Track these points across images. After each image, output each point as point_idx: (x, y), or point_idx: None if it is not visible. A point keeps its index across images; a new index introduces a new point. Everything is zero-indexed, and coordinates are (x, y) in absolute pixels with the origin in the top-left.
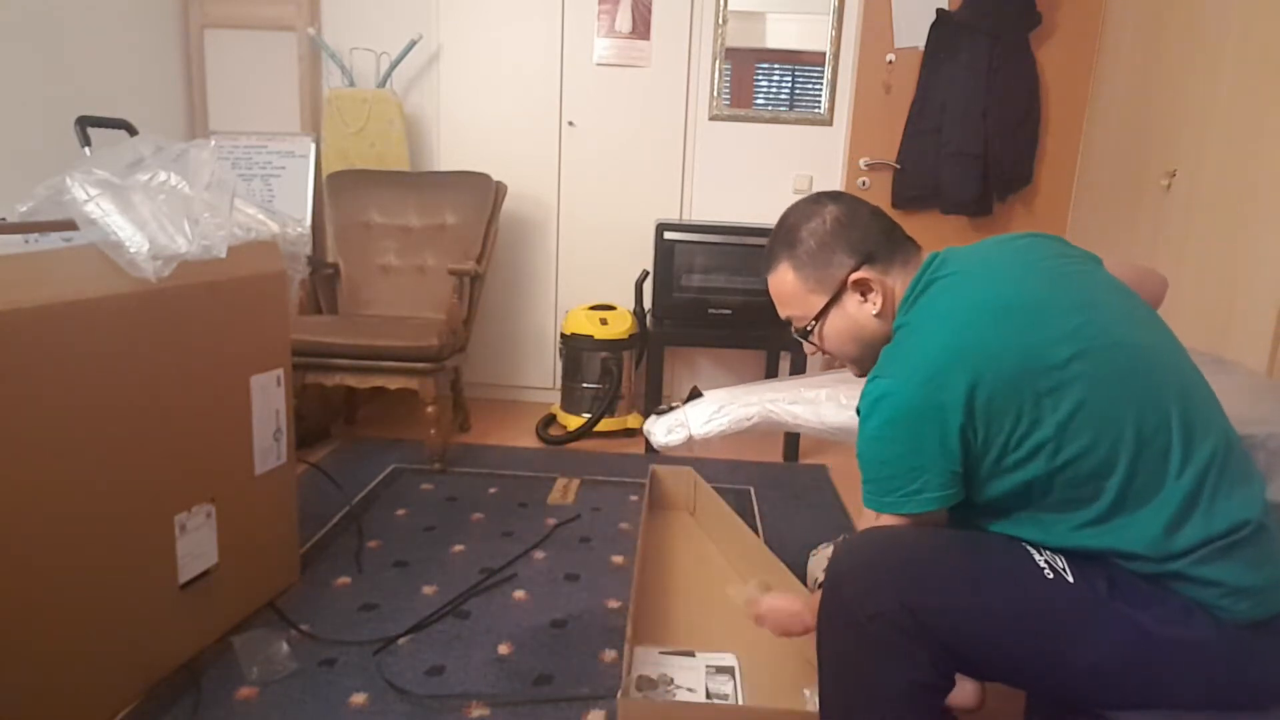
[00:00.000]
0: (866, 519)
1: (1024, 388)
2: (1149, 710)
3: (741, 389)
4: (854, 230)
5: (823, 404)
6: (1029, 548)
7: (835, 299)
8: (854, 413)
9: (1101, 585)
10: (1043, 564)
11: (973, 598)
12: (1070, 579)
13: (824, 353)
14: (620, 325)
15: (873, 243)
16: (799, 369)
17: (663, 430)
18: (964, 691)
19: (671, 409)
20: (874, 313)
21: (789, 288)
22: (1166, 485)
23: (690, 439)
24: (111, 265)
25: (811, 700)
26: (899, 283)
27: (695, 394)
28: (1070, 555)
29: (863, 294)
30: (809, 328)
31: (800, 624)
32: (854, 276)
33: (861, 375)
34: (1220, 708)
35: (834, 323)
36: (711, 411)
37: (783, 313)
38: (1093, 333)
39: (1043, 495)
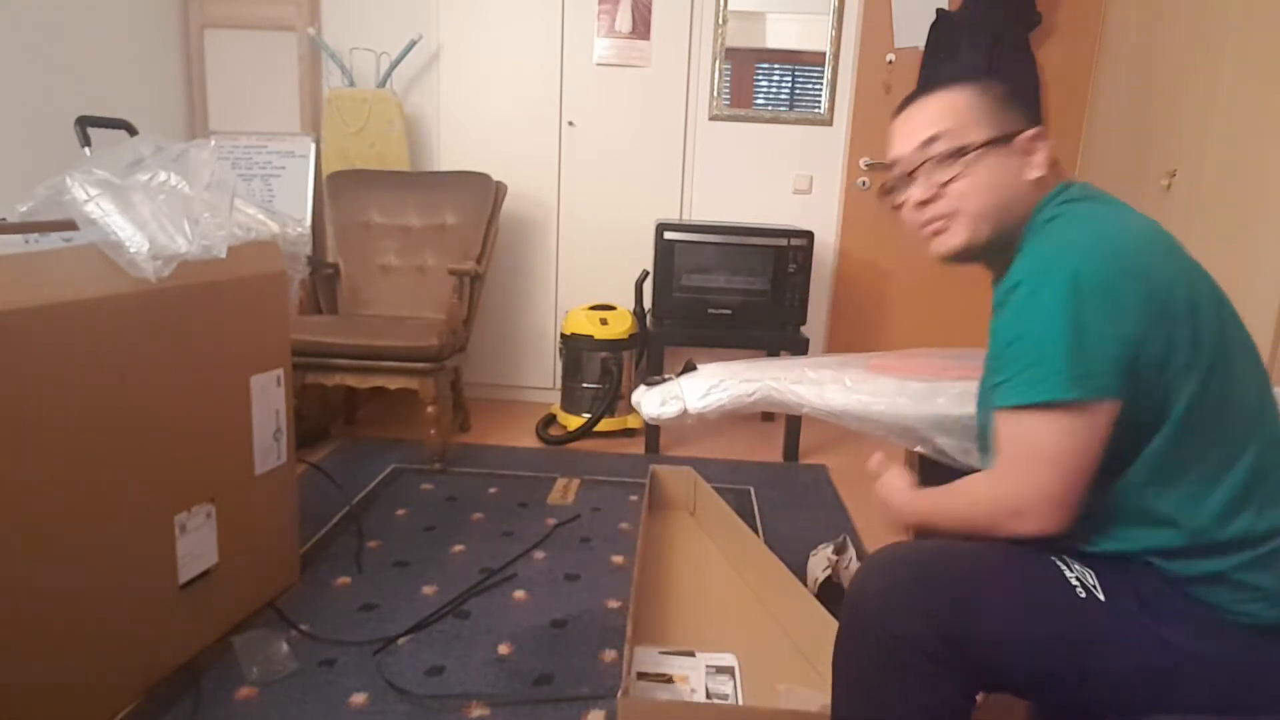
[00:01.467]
0: (918, 507)
1: (1182, 315)
2: (1160, 715)
3: (741, 365)
4: (1037, 109)
5: (827, 385)
6: (1059, 564)
7: (1002, 141)
8: (859, 397)
9: (1131, 602)
10: (1074, 581)
11: (1011, 625)
12: (1102, 597)
13: (937, 194)
14: (620, 325)
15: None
16: None
17: (655, 402)
18: None
19: (665, 380)
20: (1032, 177)
21: (958, 105)
22: (1237, 465)
23: (685, 412)
24: (111, 265)
25: (787, 696)
26: (1053, 181)
27: (690, 367)
28: (1100, 569)
29: (1028, 156)
30: (964, 148)
31: (892, 516)
32: (1031, 132)
33: (968, 242)
34: (1235, 712)
35: (989, 163)
36: (709, 385)
37: (931, 130)
38: (1222, 299)
39: (1189, 434)
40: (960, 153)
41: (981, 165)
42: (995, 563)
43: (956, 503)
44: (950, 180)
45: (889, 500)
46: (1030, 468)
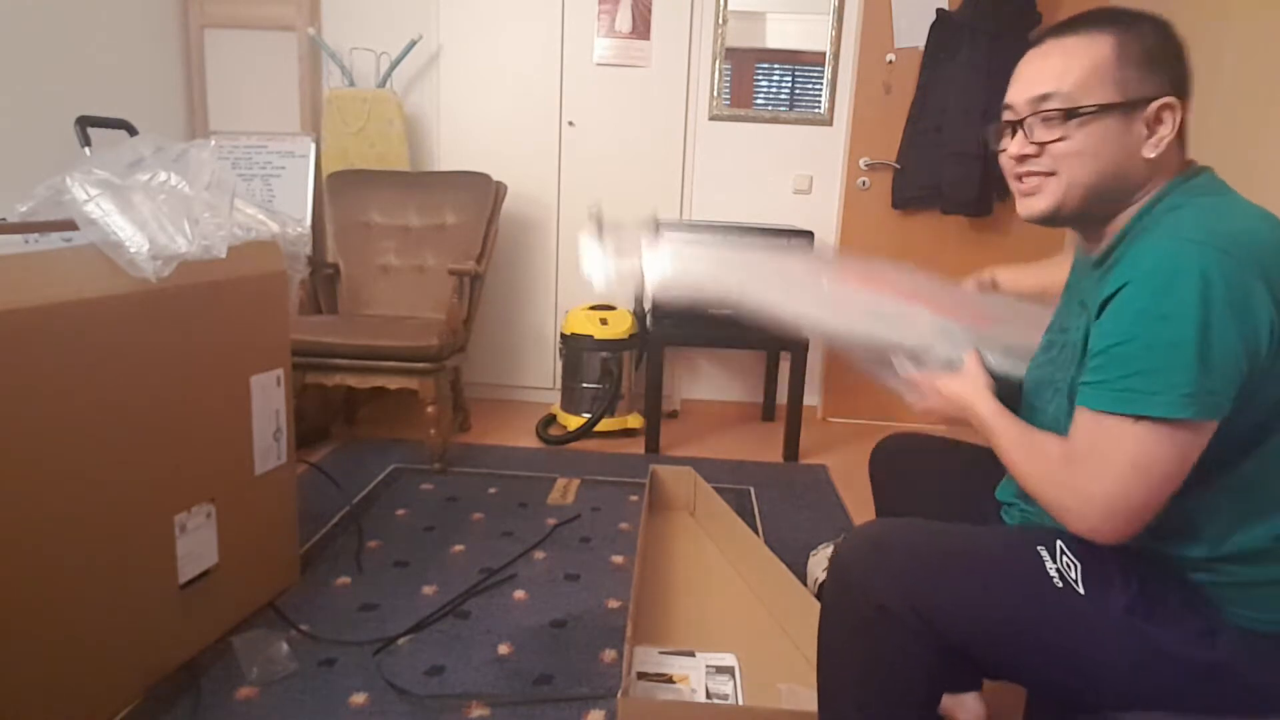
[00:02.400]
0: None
1: None
2: (1154, 712)
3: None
4: (1184, 70)
5: (796, 290)
6: (1043, 552)
7: (1124, 108)
8: (829, 311)
9: (1118, 599)
10: (1053, 571)
11: (977, 601)
12: (1081, 590)
13: (1038, 151)
14: (620, 325)
15: (1187, 98)
16: (799, 369)
17: (601, 276)
18: (967, 710)
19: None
20: (1150, 154)
21: (1087, 57)
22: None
23: (639, 283)
24: (111, 265)
25: (787, 696)
26: (1177, 160)
27: (657, 227)
28: (1092, 563)
29: (1151, 129)
30: (1076, 110)
31: (956, 402)
32: (1163, 102)
33: (1055, 209)
34: (1236, 713)
35: (1101, 130)
36: (671, 268)
37: (1048, 85)
38: None
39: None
40: (1071, 114)
41: (1091, 130)
42: (975, 543)
43: (1033, 443)
44: (1054, 140)
45: (966, 385)
46: (1113, 470)
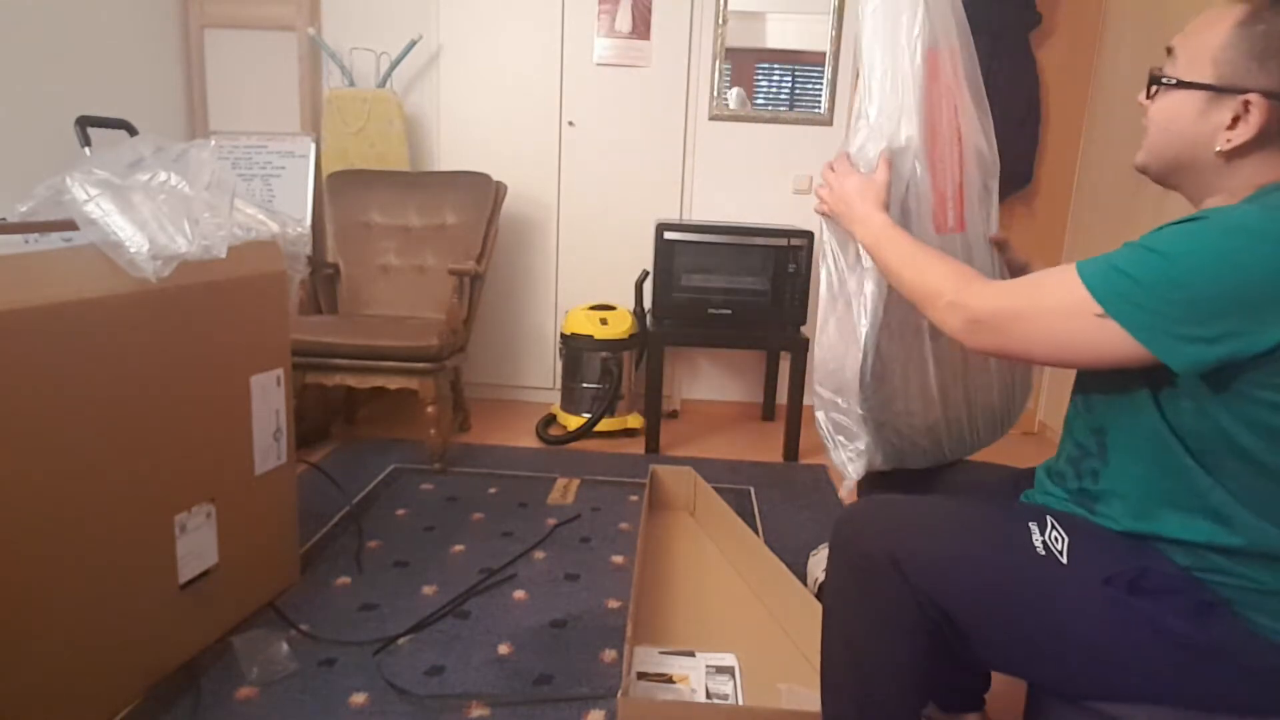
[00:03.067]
0: None
1: None
2: (1152, 705)
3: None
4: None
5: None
6: (1032, 525)
7: (1206, 92)
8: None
9: (1100, 571)
10: (1038, 541)
11: (957, 560)
12: (1064, 560)
13: (1146, 104)
14: (620, 325)
15: None
16: (799, 369)
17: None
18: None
19: None
20: (1220, 148)
21: (1215, 30)
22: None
23: None
24: (111, 265)
25: (787, 695)
26: (1270, 167)
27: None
28: (1081, 538)
29: (1234, 122)
30: (1165, 81)
31: (831, 194)
32: (1255, 98)
33: (1143, 165)
34: (1229, 702)
35: (1174, 105)
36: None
37: (1178, 43)
38: None
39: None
40: (1155, 80)
41: (1167, 103)
42: (964, 509)
43: (929, 253)
44: (1151, 96)
45: (865, 187)
46: (1032, 294)
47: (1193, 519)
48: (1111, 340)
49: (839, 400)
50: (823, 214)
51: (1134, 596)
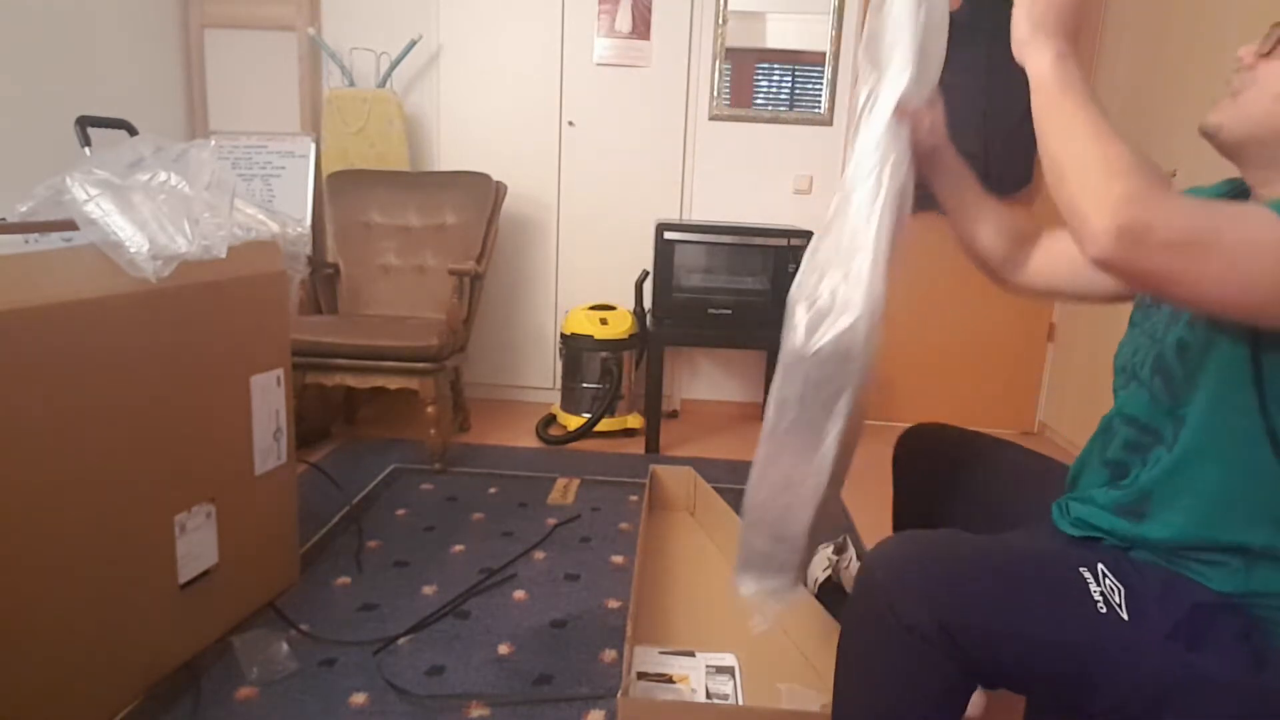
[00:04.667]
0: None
1: None
2: None
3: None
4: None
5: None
6: (1085, 573)
7: None
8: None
9: (1159, 624)
10: (1096, 594)
11: (1013, 623)
12: (1125, 615)
13: (1251, 63)
14: (620, 325)
15: None
16: None
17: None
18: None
19: None
20: None
21: None
22: None
23: None
24: (111, 265)
25: (787, 696)
26: None
27: None
28: (1136, 587)
29: None
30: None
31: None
32: None
33: (1220, 129)
34: None
35: None
36: None
37: None
38: None
39: None
40: (1278, 39)
41: (1277, 67)
42: (1012, 560)
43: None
44: (1262, 57)
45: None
46: (1214, 220)
47: (1259, 526)
48: None
49: (774, 549)
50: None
51: (1194, 652)
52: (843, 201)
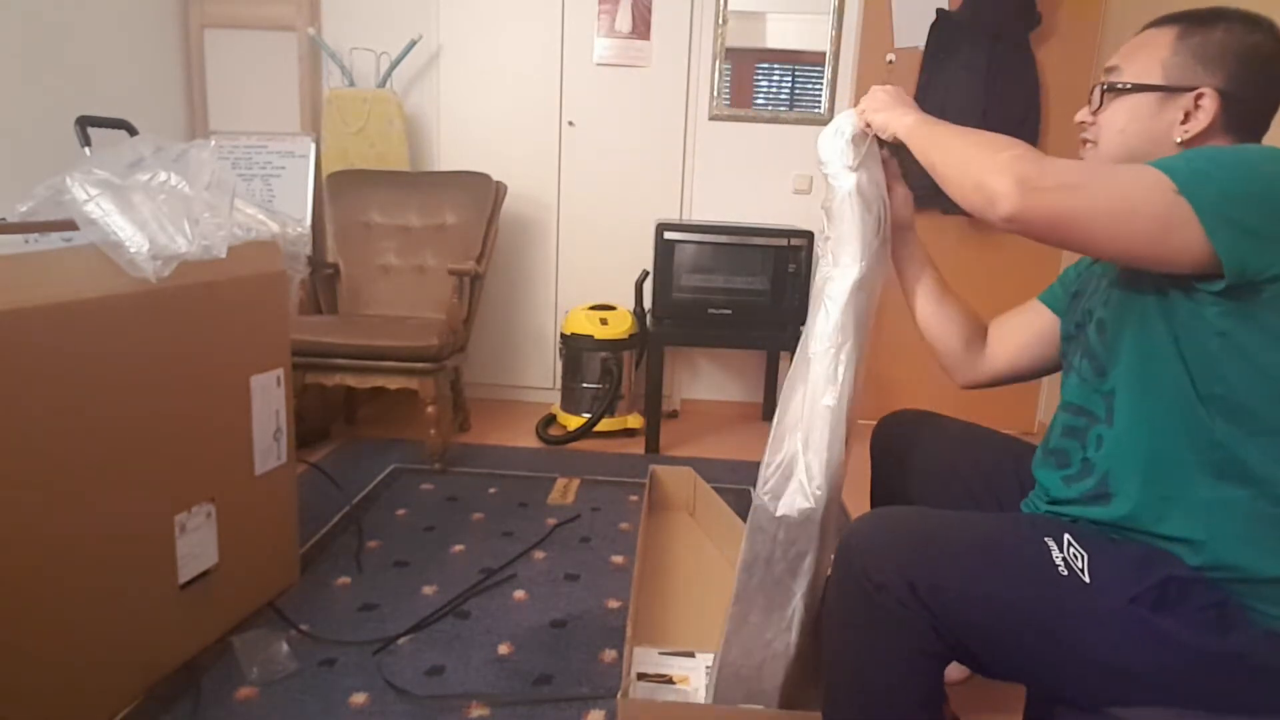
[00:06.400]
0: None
1: None
2: (1163, 708)
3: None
4: (1253, 74)
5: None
6: (1049, 541)
7: (1161, 91)
8: None
9: (1124, 589)
10: (1058, 560)
11: (975, 580)
12: (1086, 579)
13: (1091, 120)
14: (620, 325)
15: (1252, 105)
16: None
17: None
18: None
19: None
20: (1180, 138)
21: (1157, 43)
22: None
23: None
24: (111, 265)
25: None
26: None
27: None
28: (1101, 554)
29: (1187, 116)
30: (1116, 84)
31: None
32: (1208, 92)
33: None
34: (1247, 711)
35: (1136, 107)
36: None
37: (1120, 60)
38: None
39: None
40: (1110, 87)
41: (1123, 105)
42: (978, 528)
43: (971, 129)
44: (1099, 109)
45: (893, 95)
46: (1094, 173)
47: (1203, 478)
48: (1178, 225)
49: (748, 705)
50: (866, 127)
51: (1158, 615)
52: (805, 367)
